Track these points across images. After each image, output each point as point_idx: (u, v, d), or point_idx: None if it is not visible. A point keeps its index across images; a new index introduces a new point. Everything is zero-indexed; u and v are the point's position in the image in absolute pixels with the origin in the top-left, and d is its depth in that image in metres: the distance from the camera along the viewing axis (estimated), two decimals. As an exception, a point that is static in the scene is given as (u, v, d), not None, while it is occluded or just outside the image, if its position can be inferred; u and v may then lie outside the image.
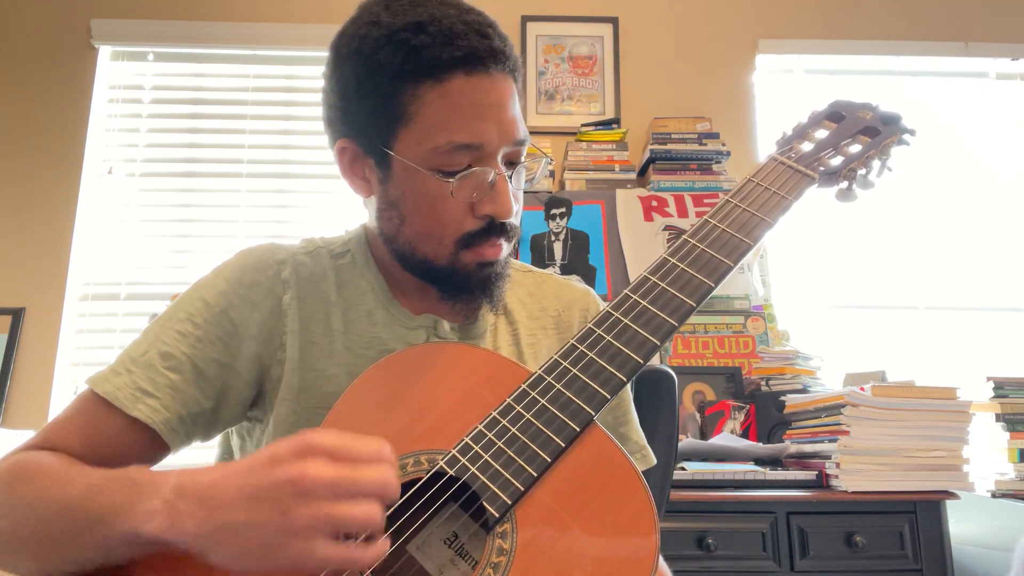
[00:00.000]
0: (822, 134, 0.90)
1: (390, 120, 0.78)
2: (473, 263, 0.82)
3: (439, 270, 0.83)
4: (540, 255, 2.37)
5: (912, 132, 0.88)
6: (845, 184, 0.86)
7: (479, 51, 0.75)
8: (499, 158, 0.79)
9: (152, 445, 0.78)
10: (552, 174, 2.56)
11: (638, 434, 0.95)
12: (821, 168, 0.85)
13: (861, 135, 0.88)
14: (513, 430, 0.69)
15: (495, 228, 0.81)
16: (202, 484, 0.59)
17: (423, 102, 0.76)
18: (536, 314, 0.95)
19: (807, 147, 0.88)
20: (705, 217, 0.81)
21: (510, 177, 0.81)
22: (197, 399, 0.79)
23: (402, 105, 0.76)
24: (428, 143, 0.77)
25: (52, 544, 0.64)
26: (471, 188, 0.78)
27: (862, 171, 0.86)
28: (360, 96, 0.78)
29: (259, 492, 0.56)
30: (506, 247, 0.84)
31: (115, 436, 0.75)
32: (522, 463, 0.67)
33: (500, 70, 0.77)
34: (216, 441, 0.95)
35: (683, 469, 1.68)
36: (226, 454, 0.94)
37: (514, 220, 0.83)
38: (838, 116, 0.91)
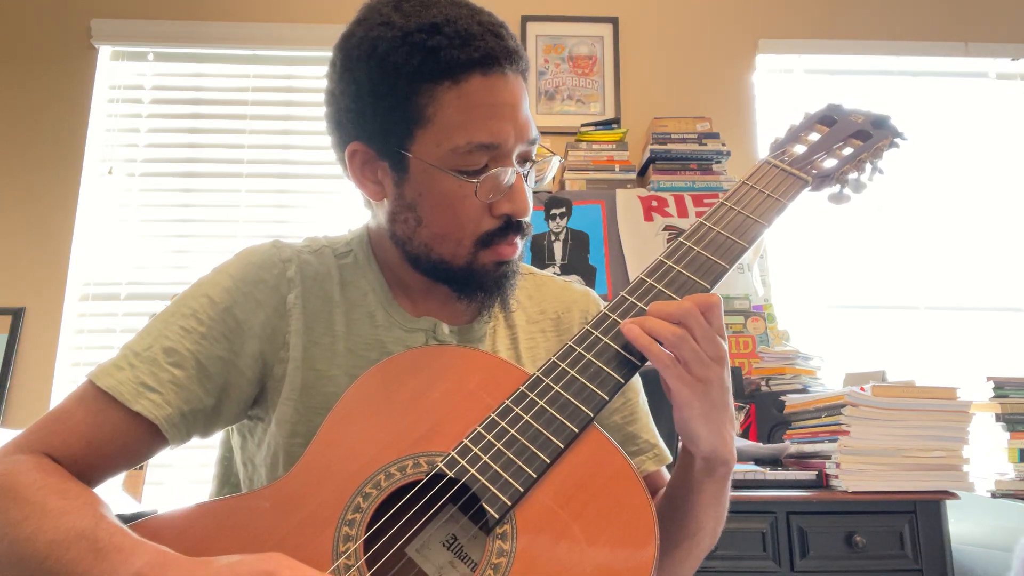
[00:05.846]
0: (815, 137, 0.90)
1: (407, 122, 0.78)
2: (491, 262, 0.83)
3: (455, 270, 0.83)
4: (540, 255, 2.37)
5: (903, 136, 0.88)
6: (838, 187, 0.87)
7: (495, 52, 0.76)
8: (514, 157, 0.80)
9: (152, 440, 0.77)
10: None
11: (649, 432, 0.94)
12: (814, 171, 0.85)
13: (853, 139, 0.89)
14: (512, 432, 0.70)
15: (512, 227, 0.82)
16: None
17: (441, 103, 0.76)
18: (535, 317, 0.96)
19: (800, 150, 0.89)
20: (700, 220, 0.81)
21: (525, 176, 0.82)
22: (199, 396, 0.79)
23: (419, 107, 0.77)
24: (447, 144, 0.77)
25: None
26: (490, 188, 0.79)
27: (854, 174, 0.86)
28: (375, 98, 0.78)
29: None
30: (521, 245, 0.85)
31: (115, 431, 0.75)
32: (521, 464, 0.67)
33: (514, 70, 0.78)
34: (218, 440, 0.95)
35: (683, 469, 1.67)
36: (227, 452, 0.94)
37: (528, 218, 0.84)
38: (830, 120, 0.92)
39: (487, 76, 0.76)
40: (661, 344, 0.70)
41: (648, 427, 0.95)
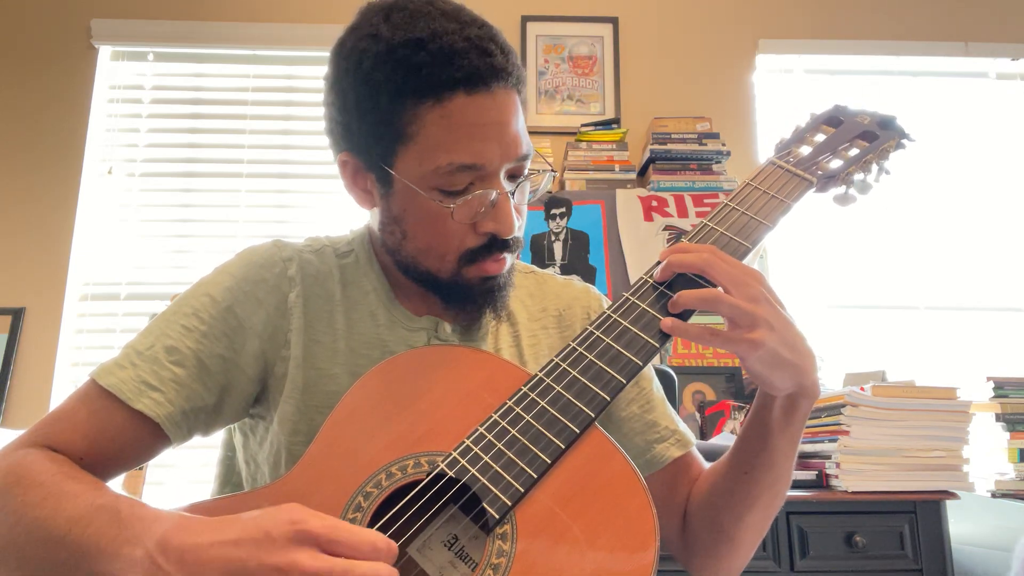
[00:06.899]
0: (820, 138, 0.90)
1: (390, 139, 0.77)
2: (476, 278, 0.82)
3: (442, 283, 0.83)
4: (540, 255, 2.37)
5: (910, 137, 0.88)
6: (843, 188, 0.86)
7: (480, 70, 0.74)
8: (501, 175, 0.78)
9: (153, 439, 0.77)
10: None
11: (668, 419, 0.92)
12: (819, 172, 0.85)
13: (859, 139, 0.88)
14: (513, 432, 0.70)
15: (498, 244, 0.81)
16: (187, 545, 0.56)
17: (424, 122, 0.75)
18: (537, 315, 0.96)
19: (805, 151, 0.88)
20: (704, 220, 0.81)
21: (512, 193, 0.80)
22: (200, 394, 0.79)
23: (402, 124, 0.76)
24: (429, 163, 0.76)
25: (35, 565, 0.63)
26: (472, 208, 0.78)
27: (860, 175, 0.86)
28: (360, 114, 0.78)
29: (243, 574, 0.54)
30: (509, 259, 0.84)
31: (117, 429, 0.75)
32: (522, 465, 0.67)
33: (502, 86, 0.76)
34: (219, 440, 0.95)
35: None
36: (229, 452, 0.94)
37: (517, 234, 0.82)
38: (836, 120, 0.91)
39: (471, 95, 0.74)
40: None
41: (666, 413, 0.93)
